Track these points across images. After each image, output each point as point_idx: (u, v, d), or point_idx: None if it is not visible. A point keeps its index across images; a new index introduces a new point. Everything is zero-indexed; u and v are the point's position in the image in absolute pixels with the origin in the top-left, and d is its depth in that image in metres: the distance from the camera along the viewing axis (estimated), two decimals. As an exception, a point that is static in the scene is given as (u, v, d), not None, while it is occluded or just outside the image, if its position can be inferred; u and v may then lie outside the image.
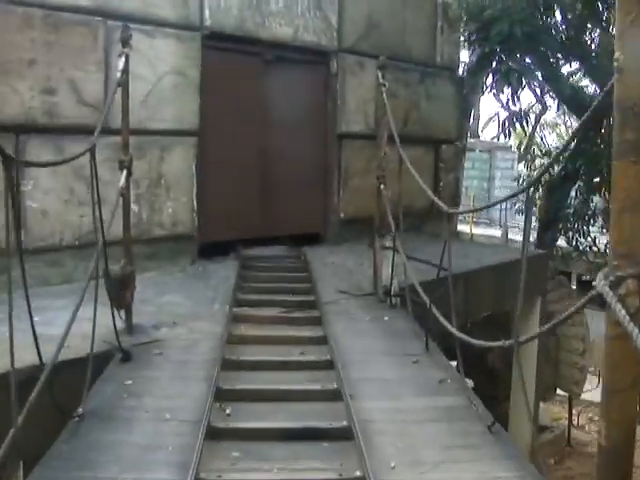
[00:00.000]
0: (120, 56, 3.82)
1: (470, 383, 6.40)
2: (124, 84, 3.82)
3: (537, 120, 14.71)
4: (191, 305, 4.87)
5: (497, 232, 15.14)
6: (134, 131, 5.70)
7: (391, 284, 5.04)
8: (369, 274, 6.03)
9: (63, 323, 2.87)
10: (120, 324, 4.07)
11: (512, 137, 8.47)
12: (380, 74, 5.52)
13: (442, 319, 3.75)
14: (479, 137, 21.48)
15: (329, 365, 3.61)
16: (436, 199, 4.42)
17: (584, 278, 11.22)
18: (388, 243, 6.83)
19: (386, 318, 4.68)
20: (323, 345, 3.95)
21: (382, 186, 5.29)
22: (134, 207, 5.72)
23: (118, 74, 3.72)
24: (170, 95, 5.93)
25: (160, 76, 5.86)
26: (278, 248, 7.04)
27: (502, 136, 7.98)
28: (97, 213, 3.38)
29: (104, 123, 5.56)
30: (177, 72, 5.97)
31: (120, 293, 3.95)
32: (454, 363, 5.18)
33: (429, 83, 8.56)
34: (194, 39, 6.10)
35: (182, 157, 6.06)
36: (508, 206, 18.04)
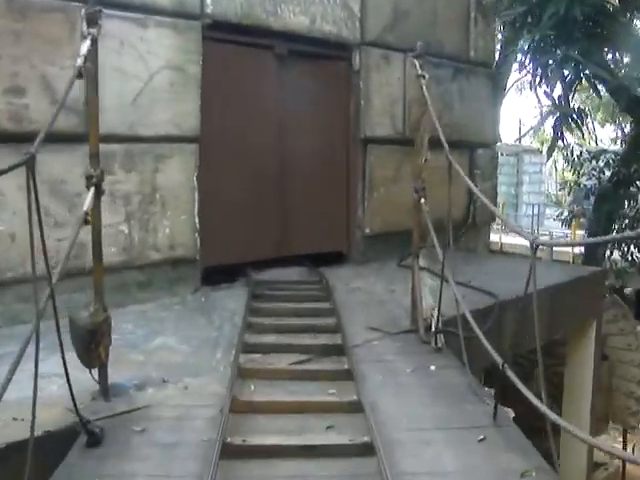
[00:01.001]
0: (85, 38, 2.89)
1: (510, 413, 5.34)
2: (90, 75, 2.90)
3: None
4: (188, 351, 3.94)
5: (526, 241, 14.00)
6: (122, 138, 4.83)
7: (438, 320, 4.07)
8: (404, 304, 5.06)
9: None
10: (93, 387, 3.16)
11: (566, 139, 7.44)
12: (418, 64, 4.56)
13: (517, 382, 2.78)
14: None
15: (367, 450, 2.65)
16: (500, 215, 3.38)
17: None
18: (422, 263, 5.92)
19: (432, 367, 3.70)
20: (357, 414, 2.99)
21: (422, 200, 4.28)
22: (123, 228, 4.84)
23: (79, 61, 2.78)
24: (165, 95, 5.01)
25: (153, 73, 4.94)
26: (295, 271, 6.10)
27: (557, 139, 6.91)
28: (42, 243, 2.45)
29: (81, 128, 4.71)
30: (173, 68, 5.05)
31: (90, 348, 3.02)
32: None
33: (462, 80, 7.59)
34: (193, 29, 5.18)
35: (181, 167, 5.14)
36: (539, 211, 17.05)
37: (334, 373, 3.50)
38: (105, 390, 3.15)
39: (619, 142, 21.45)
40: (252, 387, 3.33)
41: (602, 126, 33.07)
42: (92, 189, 2.85)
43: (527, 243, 2.79)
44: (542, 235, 15.52)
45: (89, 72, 2.85)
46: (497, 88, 8.42)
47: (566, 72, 5.98)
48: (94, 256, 3.05)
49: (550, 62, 5.86)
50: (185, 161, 5.16)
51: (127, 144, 4.85)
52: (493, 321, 4.95)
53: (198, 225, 5.27)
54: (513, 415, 6.72)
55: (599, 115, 31.29)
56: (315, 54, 6.26)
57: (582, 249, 8.58)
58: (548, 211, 18.00)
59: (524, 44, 6.40)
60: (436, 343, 4.00)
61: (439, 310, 4.16)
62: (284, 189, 6.08)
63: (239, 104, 5.65)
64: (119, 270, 4.89)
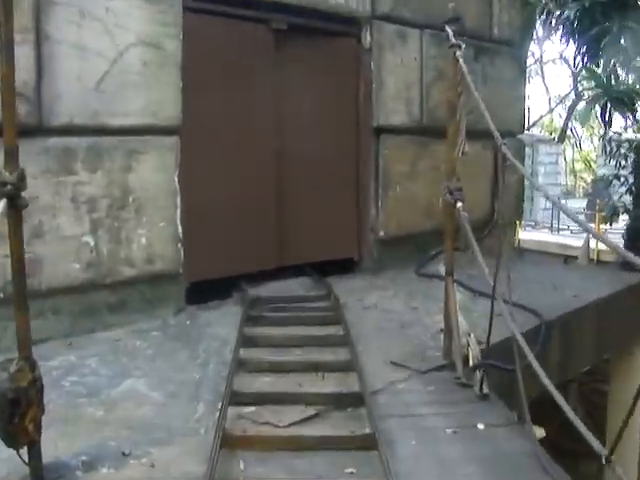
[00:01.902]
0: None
1: (540, 433, 4.45)
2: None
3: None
4: (161, 402, 3.07)
5: (547, 236, 13.03)
6: (84, 130, 3.94)
7: (481, 367, 3.20)
8: (430, 326, 4.20)
9: None
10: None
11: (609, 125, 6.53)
12: (451, 32, 3.71)
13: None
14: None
15: None
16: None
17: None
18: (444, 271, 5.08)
19: (481, 426, 2.82)
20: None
21: (459, 204, 3.39)
22: (88, 240, 3.98)
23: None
24: (137, 78, 4.13)
25: (122, 50, 4.06)
26: (298, 283, 5.23)
27: (603, 124, 6.00)
28: None
29: (37, 118, 3.85)
30: (147, 44, 4.17)
31: (13, 422, 2.15)
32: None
33: (486, 61, 6.67)
34: (172, -3, 4.30)
35: (158, 165, 4.26)
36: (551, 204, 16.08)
37: (351, 440, 2.62)
38: (38, 475, 2.28)
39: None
40: (241, 465, 2.45)
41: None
42: (3, 201, 1.97)
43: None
44: (561, 230, 14.61)
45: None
46: (523, 70, 7.51)
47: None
48: (15, 294, 2.17)
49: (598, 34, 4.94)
50: (163, 158, 4.28)
51: (91, 137, 3.98)
52: (541, 347, 4.08)
53: (181, 234, 4.39)
54: (543, 435, 5.86)
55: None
56: (319, 29, 5.36)
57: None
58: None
59: (570, 13, 5.46)
60: (481, 388, 3.11)
61: (488, 339, 3.29)
62: (284, 188, 5.20)
63: (229, 89, 4.76)
64: (85, 290, 4.04)
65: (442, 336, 3.94)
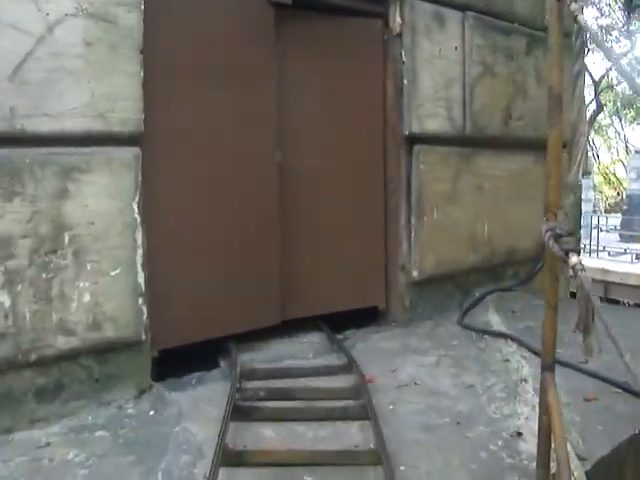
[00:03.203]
0: None
1: None
2: None
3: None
4: None
5: (596, 262, 11.52)
6: (-7, 138, 2.71)
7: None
8: (499, 422, 2.90)
9: None
10: None
11: None
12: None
13: None
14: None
15: None
16: None
17: None
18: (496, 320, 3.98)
19: None
20: None
21: (575, 259, 2.03)
22: (2, 298, 2.69)
23: None
24: (78, 63, 2.87)
25: (53, 23, 2.80)
26: (307, 343, 3.96)
27: None
28: None
29: None
30: (92, 16, 2.91)
31: None
32: None
33: (539, 55, 5.39)
34: (131, -48, 3.04)
35: (110, 188, 2.98)
36: (591, 221, 14.74)
37: None
38: None
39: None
40: None
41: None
42: None
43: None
44: (599, 251, 13.35)
45: None
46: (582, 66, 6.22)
47: None
48: None
49: None
50: (117, 178, 3.00)
51: (4, 149, 2.72)
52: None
53: (143, 284, 3.11)
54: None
55: (630, 114, 28.86)
56: (335, 7, 4.11)
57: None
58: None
59: None
60: None
61: None
62: (287, 218, 3.93)
63: (211, 84, 3.51)
64: (-1, 371, 2.77)
65: (520, 443, 2.66)
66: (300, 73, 3.96)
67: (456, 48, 4.63)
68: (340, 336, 4.13)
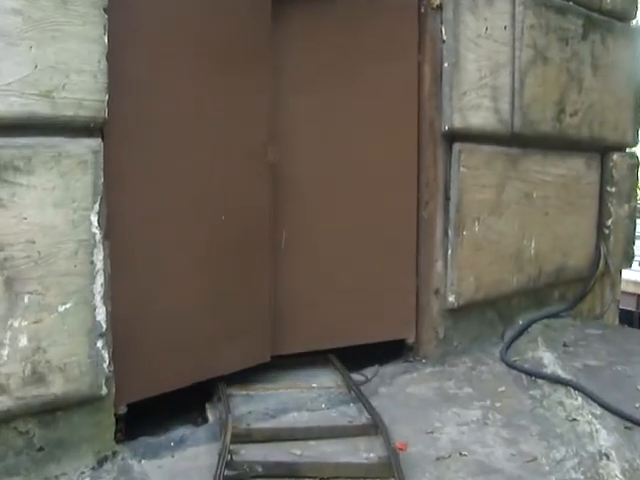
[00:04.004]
0: None
1: None
2: None
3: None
4: None
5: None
6: None
7: None
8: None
9: None
10: None
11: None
12: None
13: None
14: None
15: None
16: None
17: None
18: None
19: None
20: None
21: None
22: None
23: None
24: (13, 22, 2.08)
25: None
26: (316, 388, 3.16)
27: None
28: None
29: None
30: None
31: None
32: None
33: (596, 40, 4.57)
34: None
35: (57, 195, 2.20)
36: None
37: None
38: None
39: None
40: None
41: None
42: None
43: None
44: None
45: None
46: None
47: None
48: None
49: None
50: (69, 180, 2.22)
51: None
52: None
53: (105, 321, 2.33)
54: None
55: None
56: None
57: None
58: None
59: None
60: None
61: None
62: (289, 231, 3.16)
63: (199, 61, 2.73)
64: None
65: None
66: (308, 54, 3.17)
67: (505, 27, 3.82)
68: (359, 375, 3.35)
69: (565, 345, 3.97)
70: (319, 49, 3.23)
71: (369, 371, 3.46)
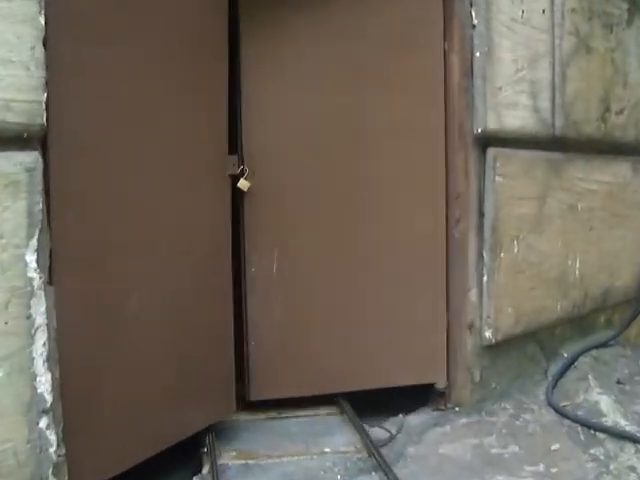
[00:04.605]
0: None
1: None
2: None
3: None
4: None
5: None
6: None
7: None
8: None
9: None
10: None
11: None
12: None
13: None
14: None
15: None
16: None
17: None
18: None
19: None
20: None
21: None
22: None
23: None
24: None
25: None
26: (329, 456, 2.58)
27: None
28: None
29: None
30: None
31: None
32: None
33: (641, 25, 3.99)
34: None
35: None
36: None
37: None
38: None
39: None
40: None
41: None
42: None
43: None
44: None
45: None
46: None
47: None
48: None
49: None
50: (-8, 207, 1.66)
51: None
52: None
53: (49, 393, 1.76)
54: None
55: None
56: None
57: None
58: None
59: None
60: None
61: None
62: (282, 256, 2.61)
63: (164, 53, 2.18)
64: None
65: None
66: (313, 39, 2.62)
67: (543, 11, 3.24)
68: (380, 430, 2.78)
69: (620, 382, 3.38)
70: (326, 39, 2.68)
71: (392, 423, 2.89)
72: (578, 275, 3.57)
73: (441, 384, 3.01)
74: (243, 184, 2.64)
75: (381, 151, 2.88)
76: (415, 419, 2.93)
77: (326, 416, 2.86)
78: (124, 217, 2.05)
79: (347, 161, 2.81)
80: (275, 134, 2.72)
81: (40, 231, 1.71)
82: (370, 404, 2.93)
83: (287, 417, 2.76)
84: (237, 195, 2.69)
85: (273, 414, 2.81)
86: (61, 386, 1.80)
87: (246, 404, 2.81)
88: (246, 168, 2.65)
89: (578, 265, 3.57)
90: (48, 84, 1.71)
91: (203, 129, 2.37)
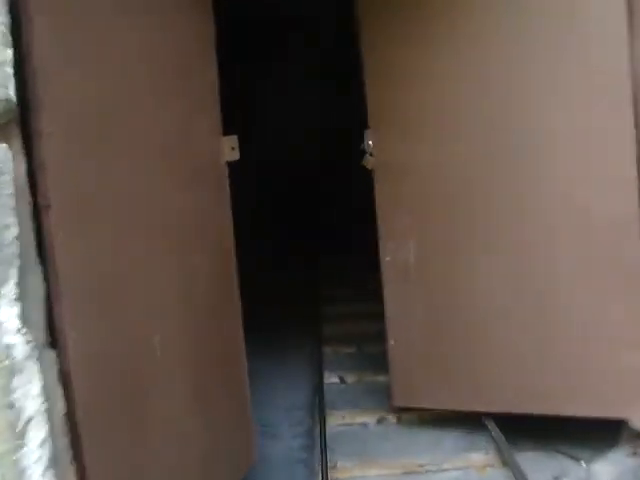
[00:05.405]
0: None
1: None
2: None
3: None
4: None
5: None
6: None
7: None
8: None
9: None
10: None
11: None
12: None
13: None
14: None
15: None
16: None
17: None
18: None
19: None
20: None
21: None
22: None
23: None
24: None
25: None
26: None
27: None
28: None
29: None
30: None
31: None
32: None
33: None
34: None
35: None
36: None
37: None
38: None
39: None
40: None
41: None
42: None
43: None
44: None
45: None
46: None
47: None
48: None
49: None
50: None
51: None
52: None
53: None
54: None
55: None
56: None
57: None
58: None
59: None
60: None
61: None
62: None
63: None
64: None
65: None
66: None
67: None
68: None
69: None
70: None
71: (566, 467, 2.10)
72: None
73: (637, 421, 2.13)
74: (369, 161, 2.30)
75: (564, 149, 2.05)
76: (603, 466, 2.11)
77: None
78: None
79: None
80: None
81: (20, 269, 1.05)
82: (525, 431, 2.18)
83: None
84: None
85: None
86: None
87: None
88: (369, 144, 2.29)
89: None
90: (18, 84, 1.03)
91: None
